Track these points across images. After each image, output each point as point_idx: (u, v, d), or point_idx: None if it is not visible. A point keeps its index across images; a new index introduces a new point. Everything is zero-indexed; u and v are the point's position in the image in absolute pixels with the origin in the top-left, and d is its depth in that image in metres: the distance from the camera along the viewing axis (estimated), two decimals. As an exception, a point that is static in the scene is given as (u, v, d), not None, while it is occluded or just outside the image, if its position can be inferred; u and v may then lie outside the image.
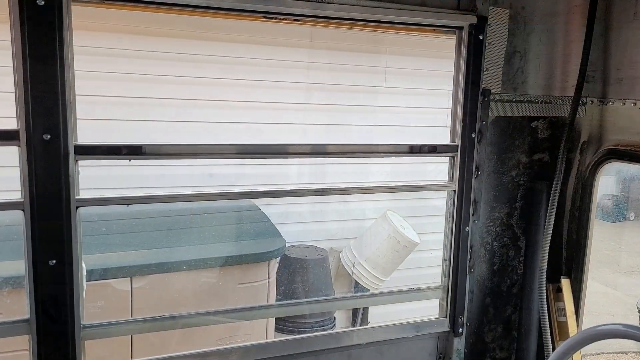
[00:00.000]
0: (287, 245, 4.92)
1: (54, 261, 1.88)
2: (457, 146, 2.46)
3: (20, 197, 1.83)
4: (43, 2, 1.75)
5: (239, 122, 5.30)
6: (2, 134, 1.83)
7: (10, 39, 1.77)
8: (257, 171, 5.22)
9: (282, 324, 4.97)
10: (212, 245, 4.43)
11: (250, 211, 4.89)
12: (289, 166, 5.53)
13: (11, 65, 1.78)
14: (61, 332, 1.93)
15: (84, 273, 2.04)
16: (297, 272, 5.16)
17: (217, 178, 5.08)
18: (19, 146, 1.80)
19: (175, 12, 2.13)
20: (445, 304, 2.61)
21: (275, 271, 4.64)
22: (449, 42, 2.50)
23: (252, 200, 4.99)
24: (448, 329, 2.61)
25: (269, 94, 5.46)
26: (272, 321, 4.62)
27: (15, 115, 1.80)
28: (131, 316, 3.78)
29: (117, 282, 3.81)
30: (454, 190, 2.51)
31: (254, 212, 4.87)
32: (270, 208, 5.01)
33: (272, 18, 2.17)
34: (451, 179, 2.52)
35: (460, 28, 2.41)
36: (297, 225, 5.70)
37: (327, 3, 2.15)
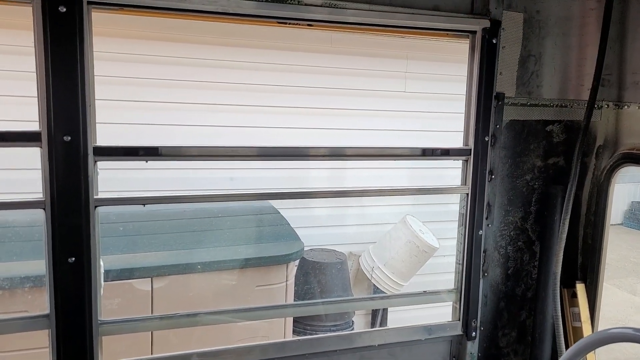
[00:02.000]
0: (306, 248, 4.95)
1: (73, 258, 1.95)
2: (470, 150, 2.47)
3: (41, 196, 1.90)
4: (65, 9, 1.82)
5: (257, 126, 5.37)
6: (24, 135, 1.90)
7: (33, 45, 1.84)
8: (277, 174, 5.27)
9: (300, 327, 5.00)
10: (231, 247, 4.48)
11: (270, 214, 4.93)
12: (307, 170, 5.58)
13: (34, 70, 1.86)
14: (79, 327, 2.00)
15: (102, 271, 2.11)
16: (316, 275, 5.19)
17: (237, 182, 5.16)
18: (41, 147, 1.87)
19: (192, 18, 2.19)
20: (458, 307, 2.61)
21: (294, 274, 4.67)
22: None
23: (271, 203, 5.04)
24: (461, 333, 2.61)
25: (287, 99, 5.52)
26: (290, 324, 4.65)
27: (37, 118, 1.87)
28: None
29: (138, 282, 3.89)
30: (467, 194, 2.51)
31: (273, 215, 4.92)
32: (289, 211, 5.05)
33: (286, 23, 2.21)
34: (464, 182, 2.52)
35: (474, 32, 2.41)
36: (316, 229, 5.74)
37: (341, 8, 2.18)
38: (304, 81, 5.57)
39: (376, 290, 5.70)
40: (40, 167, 1.89)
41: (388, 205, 5.99)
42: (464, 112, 2.52)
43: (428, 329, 2.57)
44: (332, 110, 5.71)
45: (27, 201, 1.95)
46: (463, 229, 2.56)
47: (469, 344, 2.61)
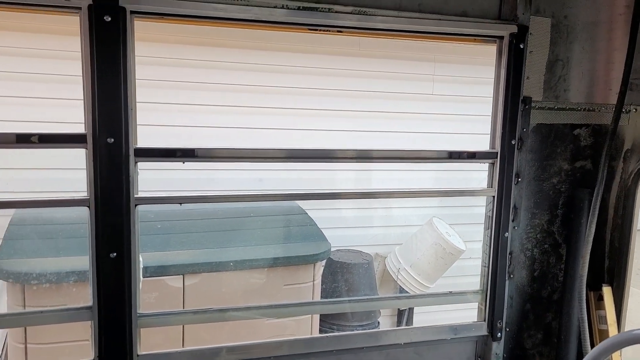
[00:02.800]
0: (333, 249, 5.02)
1: (115, 254, 2.05)
2: (497, 153, 2.50)
3: (86, 194, 2.01)
4: (109, 18, 1.92)
5: (286, 128, 5.46)
6: (71, 138, 2.02)
7: (80, 52, 1.96)
8: (305, 176, 5.35)
9: (326, 326, 5.07)
10: (260, 246, 4.58)
11: (297, 215, 5.02)
12: (334, 173, 5.64)
13: (80, 74, 1.97)
14: (119, 319, 2.10)
15: (141, 266, 2.21)
16: (342, 275, 5.25)
17: (266, 183, 5.26)
18: (86, 149, 1.98)
19: (227, 25, 2.28)
20: (484, 308, 2.65)
21: (321, 274, 4.74)
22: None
23: (299, 204, 5.12)
24: (486, 333, 2.64)
25: (316, 101, 5.60)
26: (317, 323, 4.72)
27: (83, 121, 1.99)
28: (183, 312, 3.96)
29: (171, 279, 4.01)
30: (493, 196, 2.55)
31: (300, 215, 5.00)
32: (317, 212, 5.12)
33: (316, 30, 2.28)
34: (490, 184, 2.56)
35: (501, 37, 2.45)
36: (343, 230, 5.79)
37: (369, 15, 2.25)
38: (333, 84, 5.64)
39: (402, 291, 5.74)
40: (85, 167, 2.00)
41: (414, 208, 6.02)
42: (490, 115, 2.55)
43: (454, 328, 2.61)
44: (360, 112, 5.77)
45: (72, 199, 2.06)
46: (489, 231, 2.59)
47: (495, 344, 2.64)
